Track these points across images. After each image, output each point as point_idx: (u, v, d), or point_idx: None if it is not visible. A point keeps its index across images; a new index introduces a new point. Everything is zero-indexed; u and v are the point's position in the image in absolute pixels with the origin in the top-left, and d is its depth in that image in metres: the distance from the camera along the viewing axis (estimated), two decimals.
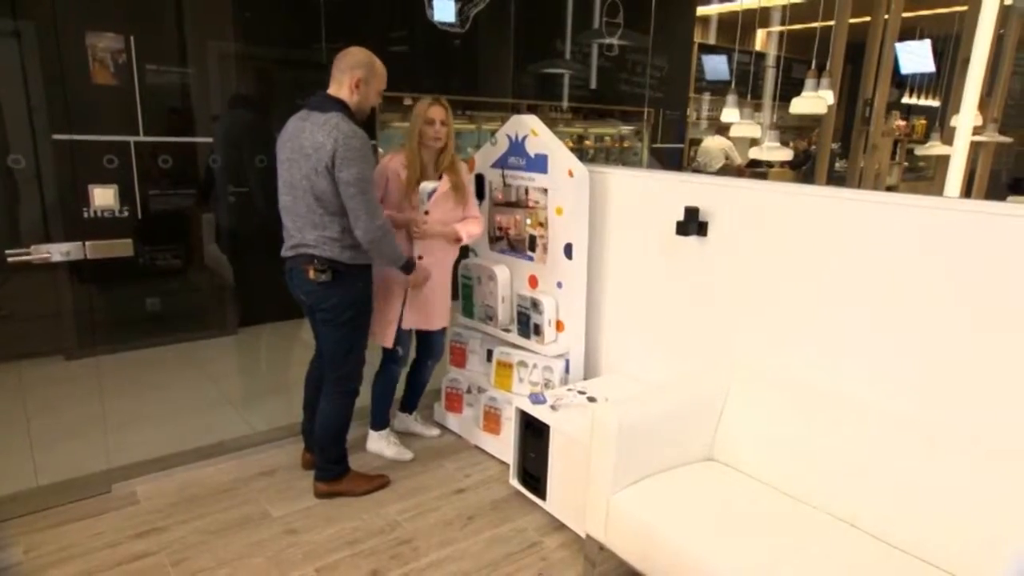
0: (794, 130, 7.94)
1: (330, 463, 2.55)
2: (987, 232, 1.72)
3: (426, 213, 2.61)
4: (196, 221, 3.32)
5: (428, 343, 2.86)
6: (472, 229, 2.71)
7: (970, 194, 5.22)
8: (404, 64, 3.28)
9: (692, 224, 2.40)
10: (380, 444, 2.88)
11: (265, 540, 2.33)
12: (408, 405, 3.07)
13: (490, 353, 3.00)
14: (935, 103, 7.53)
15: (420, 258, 2.62)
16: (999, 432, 1.75)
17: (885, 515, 1.73)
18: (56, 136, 2.36)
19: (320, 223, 2.25)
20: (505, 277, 2.93)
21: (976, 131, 4.47)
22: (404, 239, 2.60)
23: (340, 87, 2.24)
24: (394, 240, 2.34)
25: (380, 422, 2.89)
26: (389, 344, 2.70)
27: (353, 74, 2.22)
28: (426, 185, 2.60)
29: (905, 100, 7.73)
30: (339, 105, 2.21)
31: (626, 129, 5.11)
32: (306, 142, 2.18)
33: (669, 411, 2.08)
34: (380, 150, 3.39)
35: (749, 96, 7.84)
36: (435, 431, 3.07)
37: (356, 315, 2.40)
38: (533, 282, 2.88)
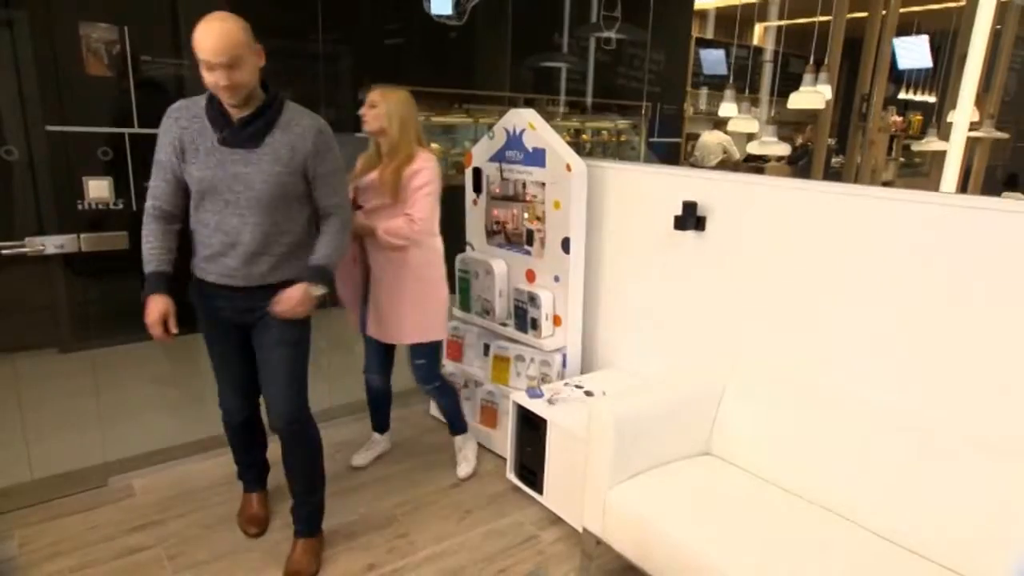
0: (791, 125, 7.94)
1: None
2: (983, 227, 1.73)
3: (360, 208, 2.43)
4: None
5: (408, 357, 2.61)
6: (394, 225, 2.31)
7: (966, 189, 5.23)
8: (400, 57, 3.26)
9: (690, 219, 2.40)
10: None
11: (262, 534, 2.33)
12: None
13: (487, 347, 3.00)
14: (932, 99, 7.54)
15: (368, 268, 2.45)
16: (996, 428, 1.75)
17: (883, 510, 1.74)
18: (49, 127, 2.34)
19: None
20: (502, 271, 2.93)
21: (973, 127, 4.47)
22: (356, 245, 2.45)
23: None
24: (146, 236, 1.95)
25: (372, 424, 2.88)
26: (354, 332, 2.65)
27: None
28: (363, 178, 2.42)
29: (902, 96, 7.74)
30: None
31: (623, 123, 5.09)
32: None
33: (666, 406, 2.08)
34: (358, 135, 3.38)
35: (747, 91, 7.83)
36: (464, 471, 2.72)
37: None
38: (530, 276, 2.87)
